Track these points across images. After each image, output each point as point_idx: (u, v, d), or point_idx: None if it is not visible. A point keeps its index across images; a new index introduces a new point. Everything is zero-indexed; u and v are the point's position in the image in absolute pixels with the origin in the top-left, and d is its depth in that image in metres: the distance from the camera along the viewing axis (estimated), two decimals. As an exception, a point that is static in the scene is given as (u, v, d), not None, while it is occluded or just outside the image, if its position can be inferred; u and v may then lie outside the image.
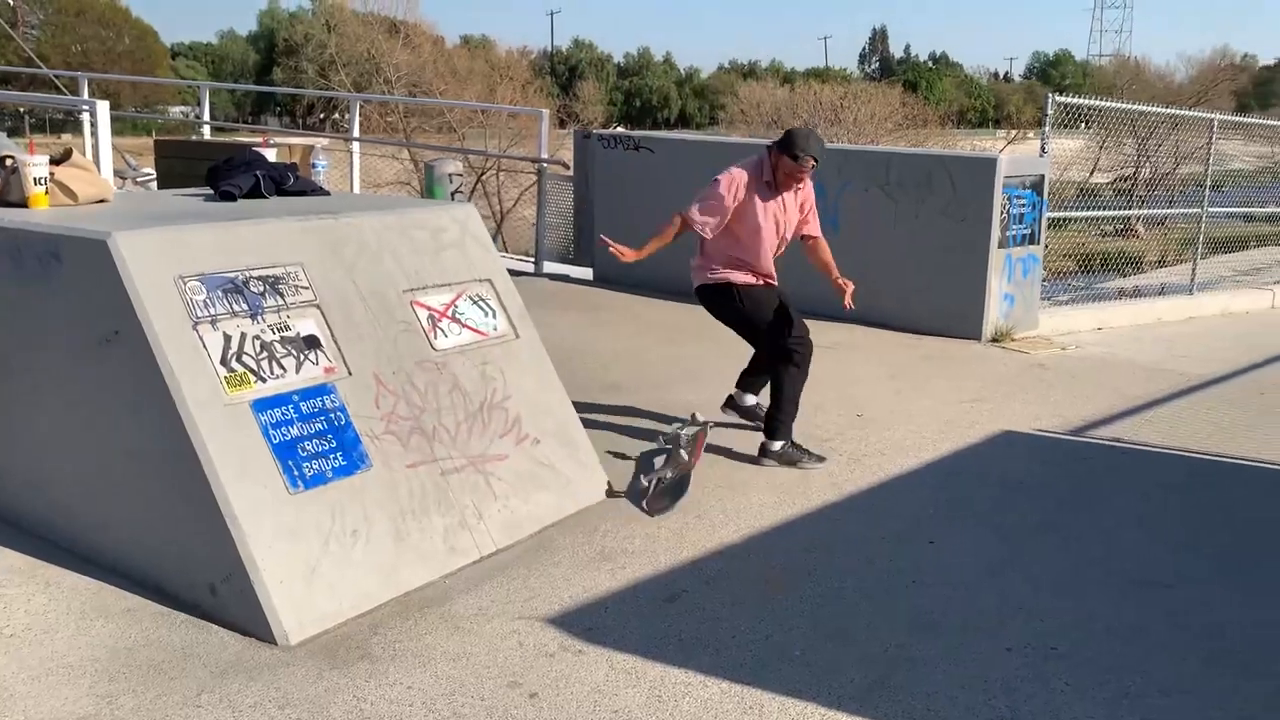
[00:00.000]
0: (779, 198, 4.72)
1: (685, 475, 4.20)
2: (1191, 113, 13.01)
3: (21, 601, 3.16)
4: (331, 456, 3.36)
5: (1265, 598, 3.48)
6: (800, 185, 4.75)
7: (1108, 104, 8.63)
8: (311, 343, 3.52)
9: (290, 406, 3.34)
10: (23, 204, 3.81)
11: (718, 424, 4.95)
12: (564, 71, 73.08)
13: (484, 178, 26.25)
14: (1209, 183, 9.80)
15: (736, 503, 4.13)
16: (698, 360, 6.33)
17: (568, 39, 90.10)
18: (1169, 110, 10.84)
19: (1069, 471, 4.71)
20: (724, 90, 57.21)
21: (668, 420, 5.07)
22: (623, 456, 4.56)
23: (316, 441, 3.35)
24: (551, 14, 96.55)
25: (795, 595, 3.39)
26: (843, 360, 6.34)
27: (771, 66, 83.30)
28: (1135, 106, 9.55)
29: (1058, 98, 7.74)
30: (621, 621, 3.19)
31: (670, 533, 3.85)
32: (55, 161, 4.00)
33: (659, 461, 4.43)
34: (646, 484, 4.17)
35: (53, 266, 3.38)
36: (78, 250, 3.30)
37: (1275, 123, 18.32)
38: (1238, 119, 12.92)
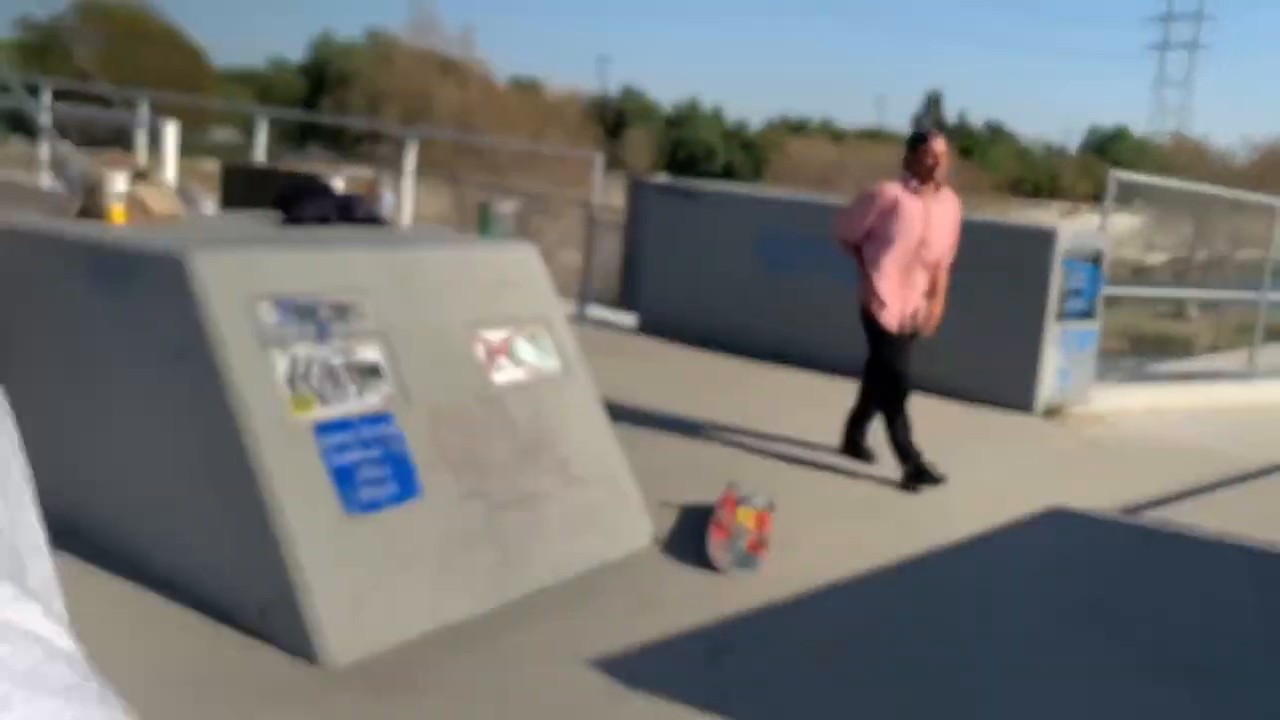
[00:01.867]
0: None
1: (756, 556, 4.09)
2: (1252, 196, 12.91)
3: (72, 614, 3.16)
4: (386, 484, 3.36)
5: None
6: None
7: (1170, 183, 8.58)
8: (374, 370, 3.54)
9: (350, 432, 3.35)
10: (101, 218, 3.88)
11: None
12: (611, 118, 73.88)
13: (524, 219, 26.45)
14: (1270, 268, 9.70)
15: (784, 562, 4.08)
16: (741, 414, 6.31)
17: (617, 85, 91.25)
18: (1231, 192, 10.76)
19: (1119, 551, 4.63)
20: (772, 145, 57.60)
21: (713, 471, 5.04)
22: (670, 505, 4.53)
23: (372, 468, 3.36)
24: (601, 60, 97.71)
25: (839, 661, 3.33)
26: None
27: (822, 124, 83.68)
28: (1197, 186, 9.47)
29: (1119, 174, 7.72)
30: (665, 670, 3.15)
31: (715, 587, 3.81)
32: (134, 178, 4.08)
33: (726, 513, 4.33)
34: (713, 532, 4.09)
35: (129, 282, 3.44)
36: (154, 267, 3.36)
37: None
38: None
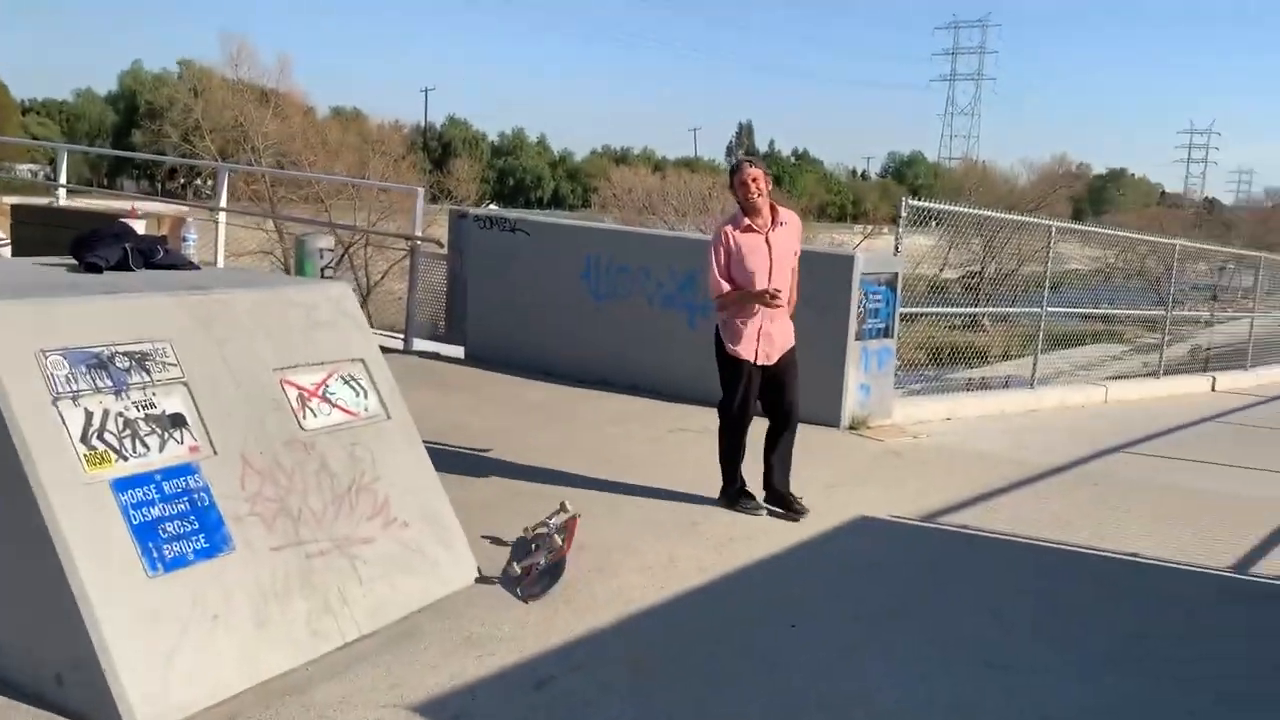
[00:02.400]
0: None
1: (560, 561, 4.23)
2: (1032, 219, 13.94)
3: None
4: (194, 538, 3.27)
5: (1095, 678, 3.71)
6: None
7: (956, 209, 9.22)
8: (177, 421, 3.44)
9: (152, 486, 3.25)
10: None
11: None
12: (437, 148, 73.23)
13: (351, 250, 25.97)
14: (1048, 284, 10.53)
15: (606, 586, 4.18)
16: (566, 443, 6.40)
17: (442, 115, 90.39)
18: (1011, 216, 11.63)
19: (921, 557, 4.94)
20: (597, 174, 58.33)
21: (539, 501, 5.10)
22: (495, 540, 4.56)
23: (178, 523, 3.26)
24: (426, 90, 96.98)
25: (662, 679, 3.44)
26: (706, 441, 6.49)
27: (644, 154, 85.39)
28: (982, 212, 10.21)
29: (911, 201, 8.25)
30: (489, 708, 3.18)
31: (539, 618, 3.86)
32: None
33: (533, 547, 4.44)
34: (520, 570, 4.17)
35: (-100, 336, 3.23)
36: (-70, 320, 3.17)
37: (1105, 230, 19.80)
38: (1071, 225, 13.93)
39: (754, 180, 5.03)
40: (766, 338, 5.15)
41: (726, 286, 5.11)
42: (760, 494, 5.32)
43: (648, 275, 8.18)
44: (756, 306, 5.06)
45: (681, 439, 6.70)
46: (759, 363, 5.16)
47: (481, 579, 4.12)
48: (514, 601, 3.97)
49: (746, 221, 5.08)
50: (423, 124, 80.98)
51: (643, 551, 4.60)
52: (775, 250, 5.07)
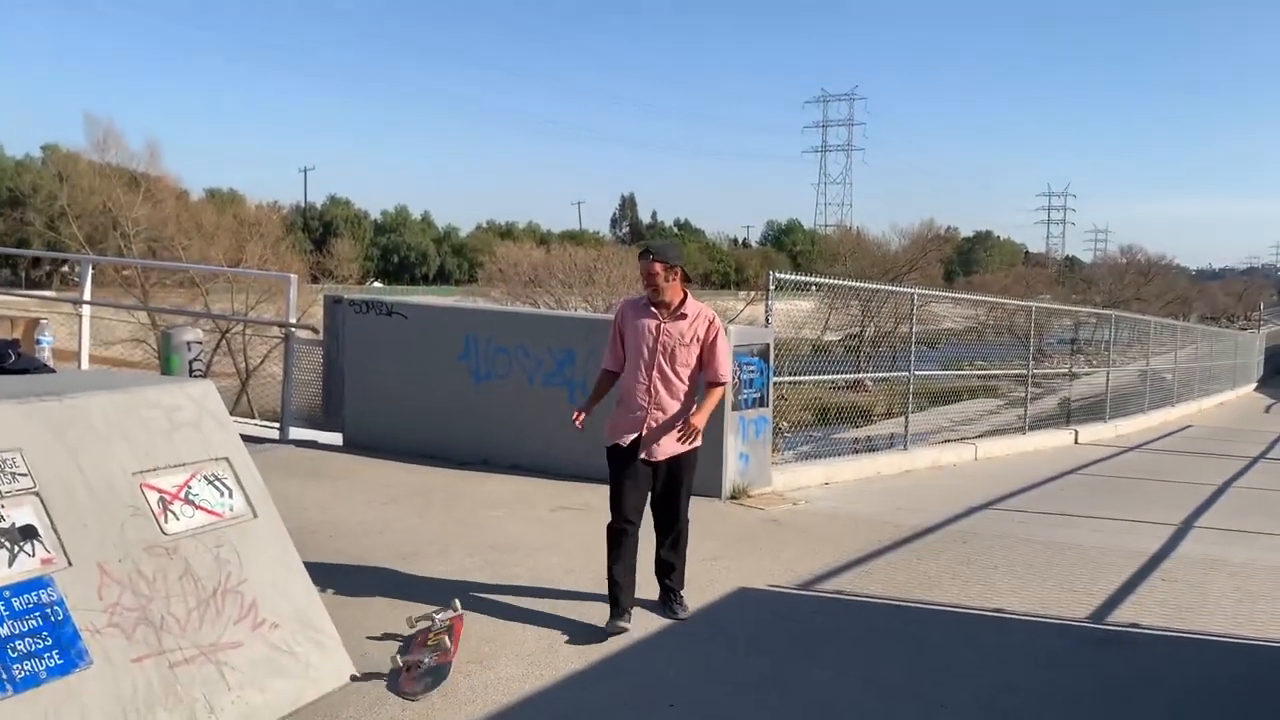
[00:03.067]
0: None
1: (445, 665, 4.17)
2: (893, 288, 14.49)
3: None
4: (47, 655, 3.16)
5: (964, 736, 3.84)
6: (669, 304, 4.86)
7: (821, 280, 9.61)
8: (28, 533, 3.34)
9: (1, 604, 3.13)
10: None
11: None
12: (318, 227, 72.42)
13: (228, 335, 25.38)
14: (913, 347, 10.97)
15: (484, 677, 4.15)
16: (446, 529, 6.35)
17: (323, 195, 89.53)
18: (874, 285, 12.10)
19: (798, 625, 5.04)
20: (482, 249, 58.39)
21: (416, 591, 5.05)
22: (373, 637, 4.49)
23: (29, 640, 3.15)
24: (305, 170, 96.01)
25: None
26: (589, 518, 6.53)
27: (528, 228, 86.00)
28: (844, 282, 10.65)
29: (777, 275, 8.55)
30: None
31: (416, 714, 3.81)
32: None
33: (416, 641, 4.38)
34: (403, 664, 4.11)
35: None
36: None
37: (962, 295, 20.69)
38: (929, 292, 14.60)
39: (650, 275, 4.77)
40: (650, 431, 4.79)
41: (614, 365, 4.96)
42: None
43: (526, 354, 8.24)
44: (636, 394, 4.80)
45: (564, 517, 6.72)
46: (642, 457, 4.79)
47: (358, 679, 4.05)
48: (390, 698, 3.91)
49: (647, 302, 4.86)
50: (303, 204, 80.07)
51: (523, 639, 4.59)
52: (663, 339, 4.79)
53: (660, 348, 4.81)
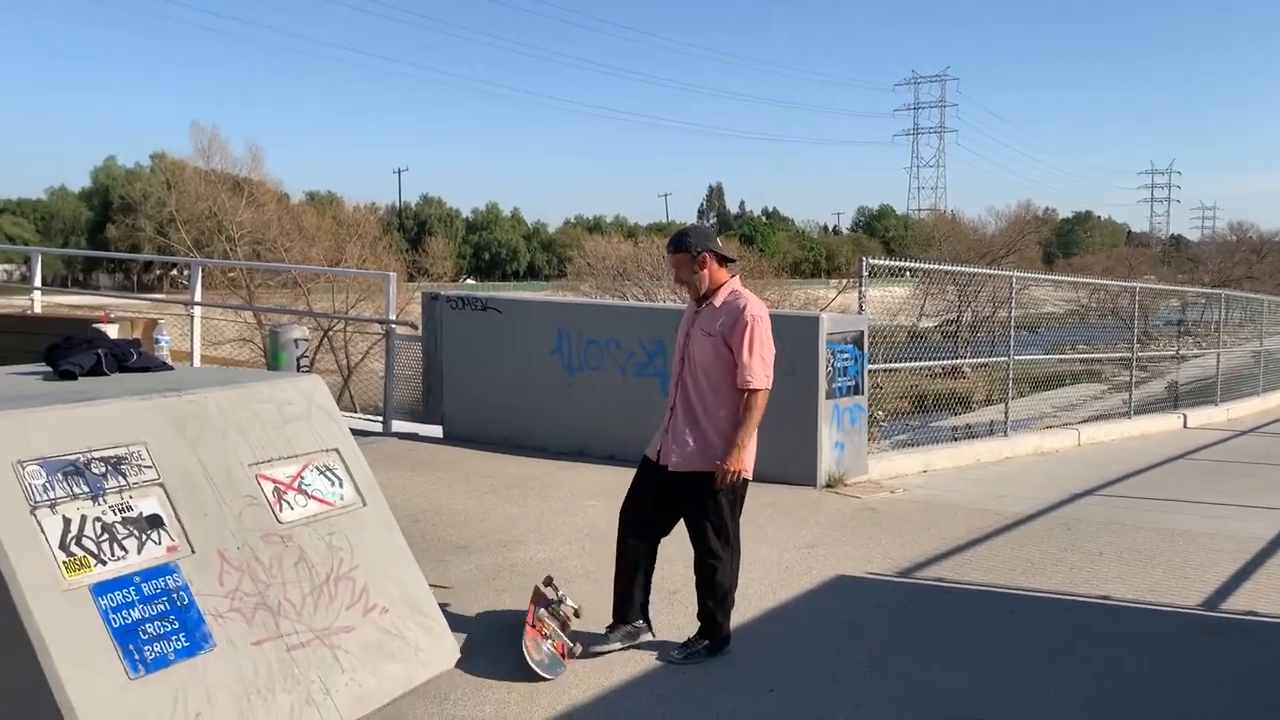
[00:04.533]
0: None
1: (562, 652, 4.21)
2: (989, 271, 14.17)
3: None
4: (174, 638, 3.33)
5: (1071, 724, 3.78)
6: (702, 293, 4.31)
7: (915, 265, 9.47)
8: (154, 522, 3.52)
9: (131, 589, 3.31)
10: None
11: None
12: (413, 227, 73.85)
13: (330, 334, 26.08)
14: (1012, 332, 10.73)
15: (587, 662, 4.23)
16: (544, 518, 6.47)
17: (416, 195, 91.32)
18: (969, 269, 11.88)
19: (898, 612, 5.00)
20: (571, 244, 58.87)
21: (518, 578, 5.16)
22: (478, 622, 4.61)
23: (159, 623, 3.32)
24: (399, 171, 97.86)
25: (643, 751, 3.49)
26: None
27: (616, 221, 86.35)
28: (939, 266, 10.48)
29: (870, 260, 8.45)
30: (472, 790, 3.22)
31: (521, 696, 3.91)
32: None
33: (543, 621, 4.35)
34: (535, 634, 4.16)
35: (-121, 455, 3.30)
36: (-92, 438, 3.25)
37: (1064, 277, 20.14)
38: (1029, 275, 14.24)
39: (676, 269, 4.36)
40: (665, 435, 4.32)
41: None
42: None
43: (618, 346, 8.32)
44: (671, 396, 4.34)
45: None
46: (658, 461, 4.32)
47: (464, 661, 4.16)
48: (495, 683, 4.02)
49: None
50: (397, 204, 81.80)
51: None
52: (689, 330, 4.29)
53: (687, 344, 4.28)
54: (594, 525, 6.29)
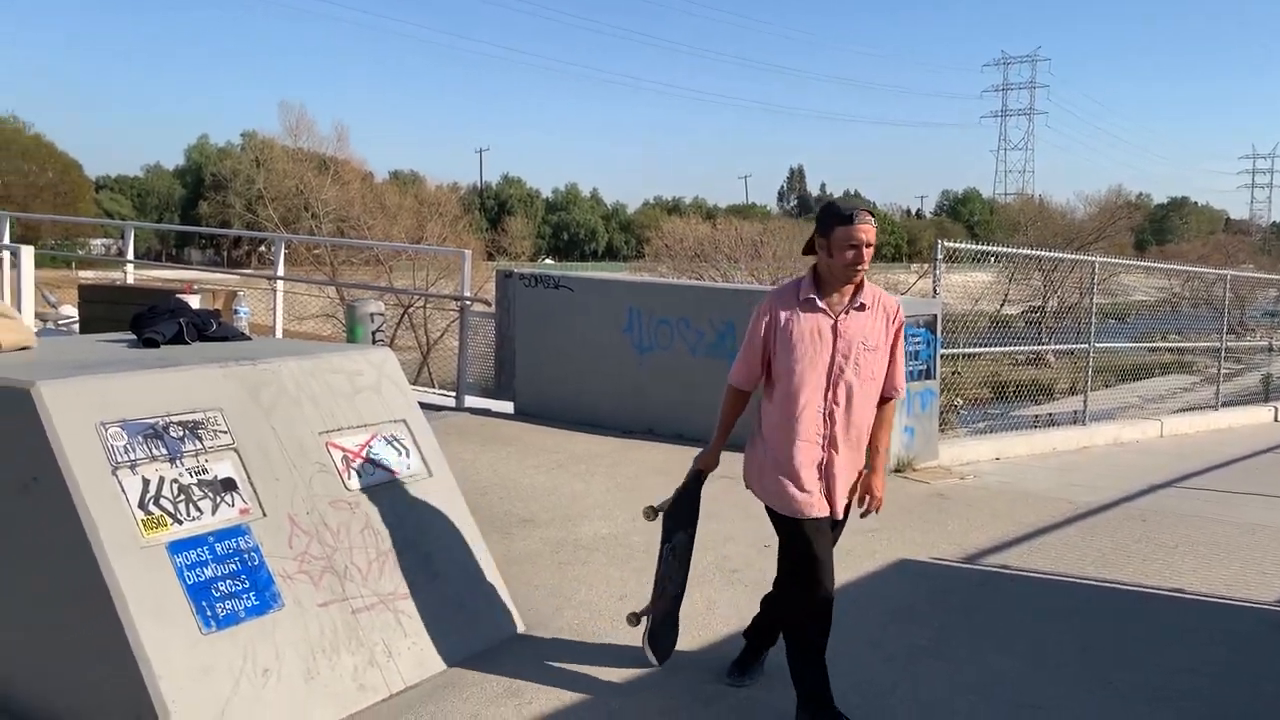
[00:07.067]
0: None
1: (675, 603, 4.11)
2: (1070, 256, 13.80)
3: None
4: (245, 596, 3.46)
5: (1132, 716, 3.71)
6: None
7: (994, 249, 9.28)
8: (228, 485, 3.65)
9: (205, 548, 3.45)
10: (-52, 353, 3.92)
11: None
12: (493, 206, 74.57)
13: (410, 310, 26.52)
14: (1093, 319, 10.47)
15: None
16: (610, 494, 6.53)
17: (497, 175, 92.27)
18: (1052, 254, 11.60)
19: (960, 598, 4.95)
20: (649, 225, 58.86)
21: (580, 553, 5.22)
22: (538, 590, 4.69)
23: (230, 582, 3.45)
24: (481, 151, 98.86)
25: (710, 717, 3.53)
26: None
27: (694, 203, 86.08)
28: (1018, 250, 10.25)
29: (946, 243, 8.32)
30: (526, 755, 3.29)
31: (577, 664, 3.97)
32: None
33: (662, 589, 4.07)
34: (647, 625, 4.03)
35: (-24, 414, 3.49)
36: (2, 399, 3.42)
37: (1153, 264, 19.53)
38: (1113, 260, 13.83)
39: (866, 242, 3.37)
40: (829, 476, 3.50)
41: (746, 381, 3.66)
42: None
43: (688, 325, 8.34)
44: (811, 426, 3.45)
45: (722, 486, 6.78)
46: (822, 514, 3.49)
47: (525, 630, 4.24)
48: (553, 651, 4.09)
49: (811, 295, 3.44)
50: (478, 184, 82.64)
51: (690, 597, 4.69)
52: (843, 341, 3.41)
53: (838, 357, 3.43)
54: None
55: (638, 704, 3.68)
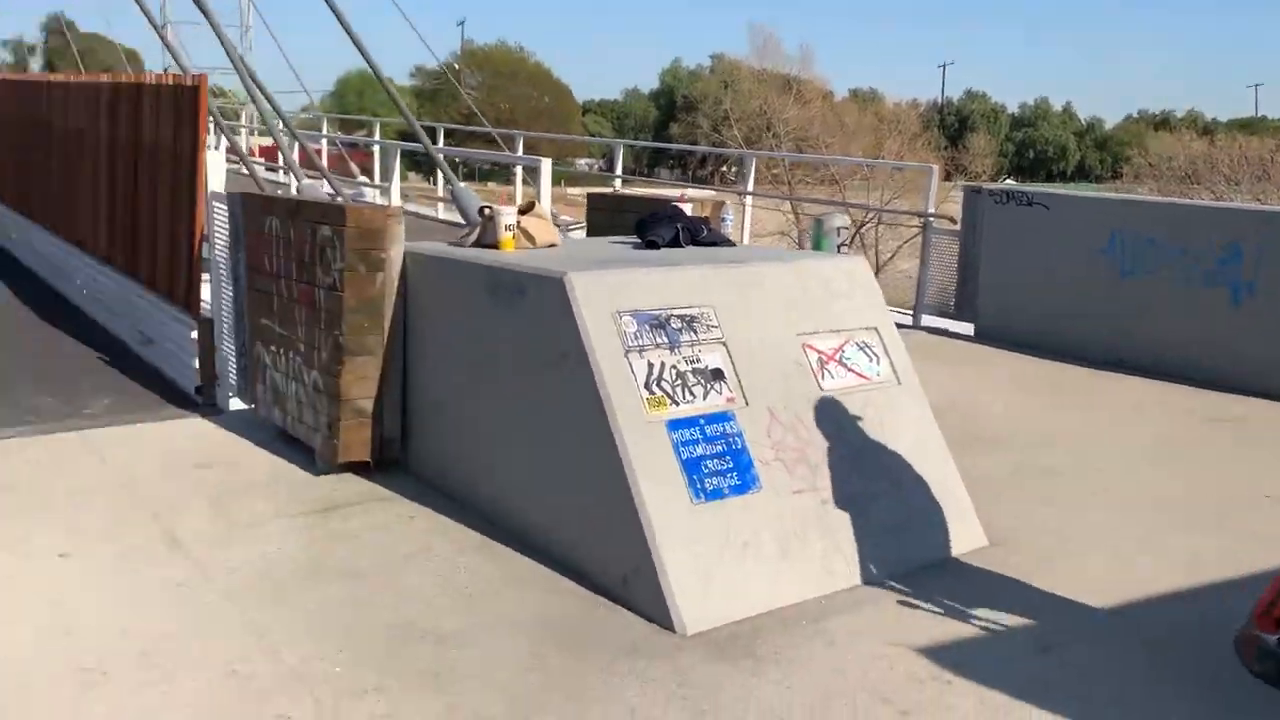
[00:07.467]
0: None
1: None
2: None
3: (476, 568, 3.88)
4: (728, 475, 3.79)
5: None
6: None
7: None
8: (717, 374, 3.99)
9: (696, 428, 3.82)
10: (495, 246, 4.64)
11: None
12: (954, 123, 71.58)
13: (863, 230, 26.51)
14: None
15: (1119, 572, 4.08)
16: (1083, 423, 6.20)
17: (959, 90, 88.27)
18: None
19: None
20: (1131, 142, 53.43)
21: (1046, 482, 5.05)
22: (999, 508, 4.62)
23: (716, 461, 3.80)
24: (944, 66, 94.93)
25: (1170, 661, 3.34)
26: (1248, 434, 5.93)
27: (1188, 116, 76.43)
28: None
29: None
30: (991, 663, 3.31)
31: (1043, 584, 3.89)
32: (521, 212, 4.83)
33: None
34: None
35: (518, 298, 4.12)
36: (540, 286, 4.01)
37: None
38: None
39: None
40: None
41: None
42: None
43: (1182, 250, 7.54)
44: None
45: (1213, 431, 6.18)
46: None
47: (993, 546, 4.22)
48: (1017, 570, 4.03)
49: None
50: (939, 100, 79.63)
51: (1152, 545, 4.39)
52: None
53: None
54: (1134, 438, 5.91)
55: (1110, 629, 3.54)
